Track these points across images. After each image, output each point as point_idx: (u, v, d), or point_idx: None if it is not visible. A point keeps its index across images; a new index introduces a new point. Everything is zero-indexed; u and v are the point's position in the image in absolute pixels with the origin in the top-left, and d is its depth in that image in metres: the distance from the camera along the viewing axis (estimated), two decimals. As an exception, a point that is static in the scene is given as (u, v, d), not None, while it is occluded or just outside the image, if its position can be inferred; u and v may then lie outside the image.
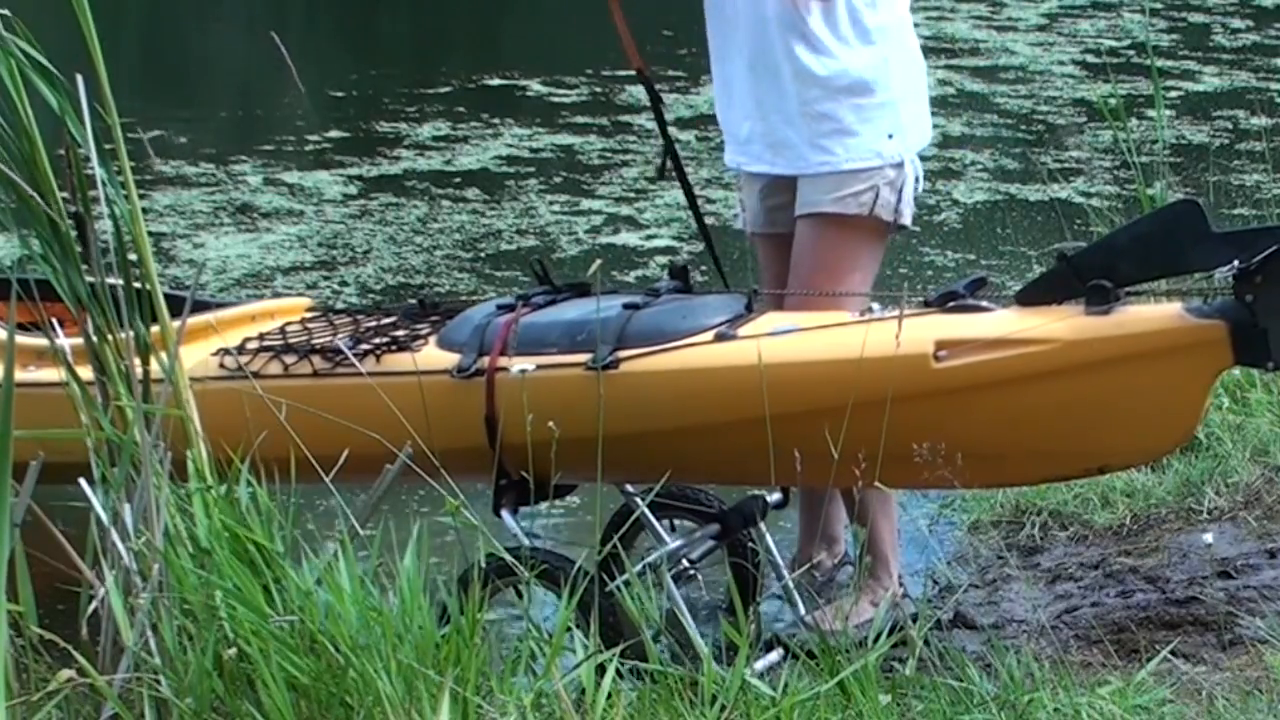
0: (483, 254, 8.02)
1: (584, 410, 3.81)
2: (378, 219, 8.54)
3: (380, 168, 9.52)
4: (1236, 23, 13.99)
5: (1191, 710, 3.74)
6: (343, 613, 3.34)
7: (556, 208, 8.73)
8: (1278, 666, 3.88)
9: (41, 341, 3.96)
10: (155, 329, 3.76)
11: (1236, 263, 3.64)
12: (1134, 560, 4.66)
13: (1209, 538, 4.57)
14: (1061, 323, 3.78)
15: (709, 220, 4.79)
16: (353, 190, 9.06)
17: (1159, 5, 14.37)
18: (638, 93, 10.89)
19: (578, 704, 3.39)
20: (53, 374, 3.87)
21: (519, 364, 3.97)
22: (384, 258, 7.90)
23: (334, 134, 10.30)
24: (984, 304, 3.95)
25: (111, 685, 3.39)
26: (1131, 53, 12.77)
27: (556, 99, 11.31)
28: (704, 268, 5.12)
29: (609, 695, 3.42)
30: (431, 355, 4.15)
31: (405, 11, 15.63)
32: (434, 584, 3.58)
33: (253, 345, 4.34)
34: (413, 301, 4.59)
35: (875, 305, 4.10)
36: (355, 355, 4.15)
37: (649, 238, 8.20)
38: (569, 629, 3.51)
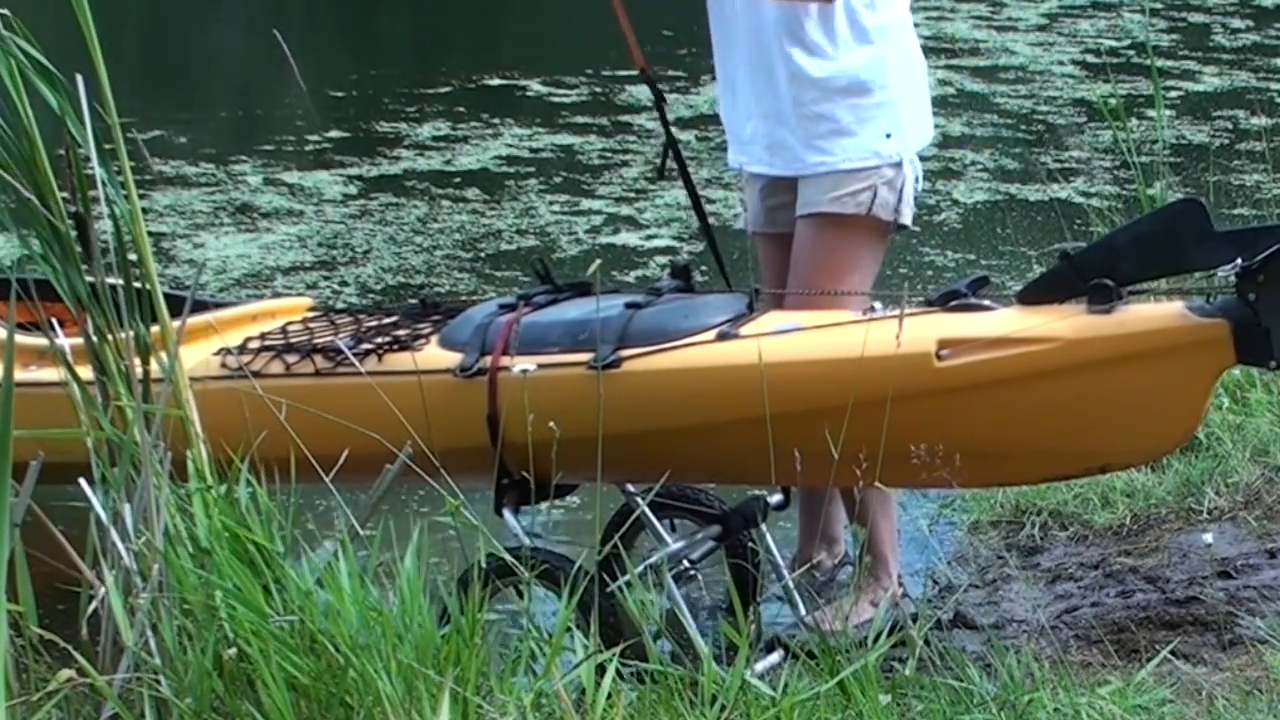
0: (483, 254, 8.02)
1: (586, 410, 3.81)
2: (378, 219, 8.54)
3: (380, 168, 9.51)
4: (1236, 23, 13.99)
5: (1191, 710, 3.74)
6: (343, 613, 3.34)
7: (556, 208, 8.73)
8: (1278, 666, 3.87)
9: (41, 341, 3.95)
10: (155, 329, 3.75)
11: (1239, 261, 3.64)
12: (1134, 560, 4.66)
13: (1209, 538, 4.57)
14: (1064, 322, 3.77)
15: (709, 220, 4.78)
16: (353, 190, 9.06)
17: (1159, 5, 14.37)
18: (638, 93, 10.90)
19: (578, 704, 3.39)
20: (53, 374, 3.87)
21: (521, 363, 3.97)
22: (384, 258, 7.90)
23: (334, 134, 10.30)
24: (986, 303, 3.95)
25: (111, 685, 3.38)
26: (1131, 53, 12.76)
27: (556, 99, 11.31)
28: (704, 267, 5.12)
29: (609, 695, 3.42)
30: (433, 355, 4.15)
31: (405, 11, 15.62)
32: (434, 584, 3.57)
33: (254, 345, 4.34)
34: (414, 301, 4.59)
35: (877, 305, 4.10)
36: (357, 355, 4.15)
37: (649, 238, 8.19)
38: (569, 629, 3.51)
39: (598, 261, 4.03)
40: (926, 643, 3.82)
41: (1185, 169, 8.67)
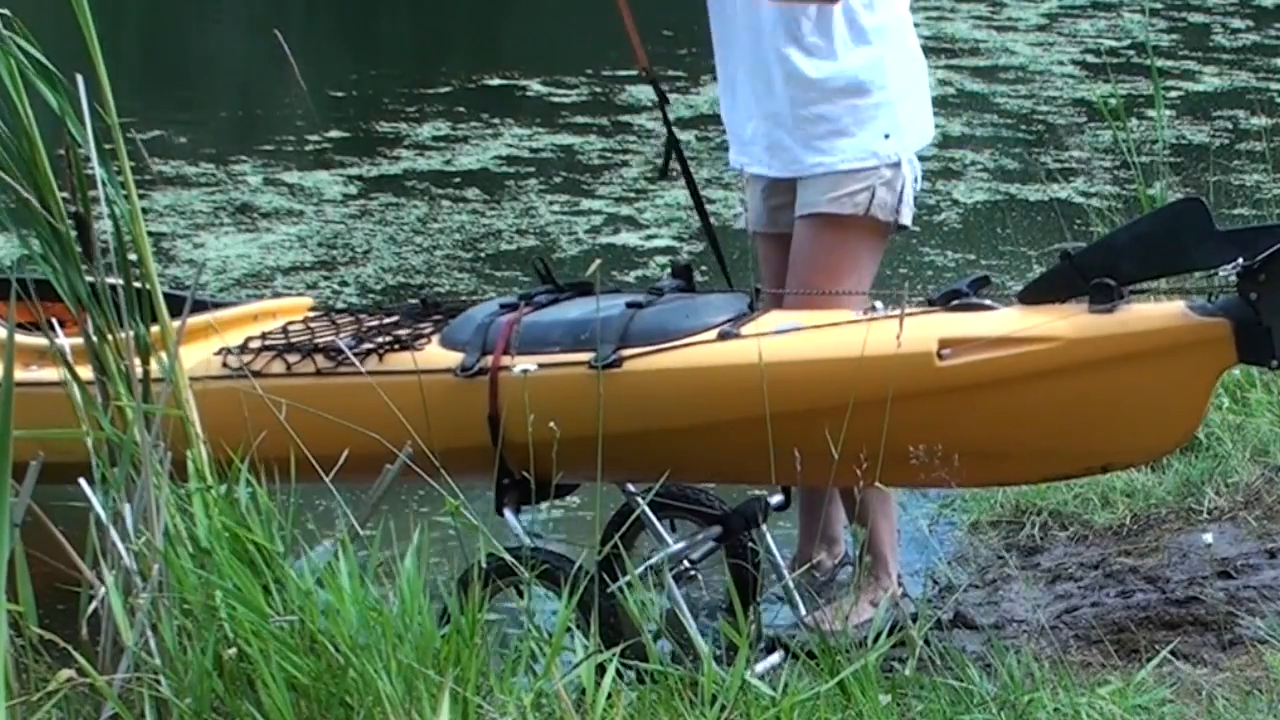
0: (483, 254, 8.02)
1: (587, 409, 3.81)
2: (378, 219, 8.54)
3: (380, 168, 9.51)
4: (1236, 23, 13.99)
5: (1191, 710, 3.73)
6: (343, 613, 3.33)
7: (556, 208, 8.72)
8: (1278, 666, 3.87)
9: (41, 341, 3.95)
10: (155, 329, 3.75)
11: (1240, 261, 3.64)
12: (1134, 560, 4.66)
13: (1209, 538, 4.57)
14: (1065, 321, 3.77)
15: (710, 219, 4.78)
16: (353, 190, 9.06)
17: (1159, 5, 14.37)
18: (638, 93, 10.90)
19: (578, 704, 3.39)
20: (53, 374, 3.87)
21: (522, 363, 3.97)
22: (384, 258, 7.90)
23: (334, 134, 10.29)
24: (987, 303, 3.95)
25: (111, 685, 3.38)
26: (1131, 53, 12.76)
27: (556, 99, 11.30)
28: (704, 267, 5.12)
29: (609, 695, 3.41)
30: (434, 354, 4.15)
31: (405, 11, 15.63)
32: (434, 584, 3.57)
33: (255, 344, 4.34)
34: (415, 301, 4.59)
35: (879, 304, 4.10)
36: (358, 354, 4.15)
37: (649, 238, 8.19)
38: (569, 629, 3.51)
39: (598, 261, 4.02)
40: (926, 643, 3.82)
41: (1185, 169, 8.67)
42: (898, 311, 3.87)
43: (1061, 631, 4.21)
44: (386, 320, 4.42)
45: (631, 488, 4.25)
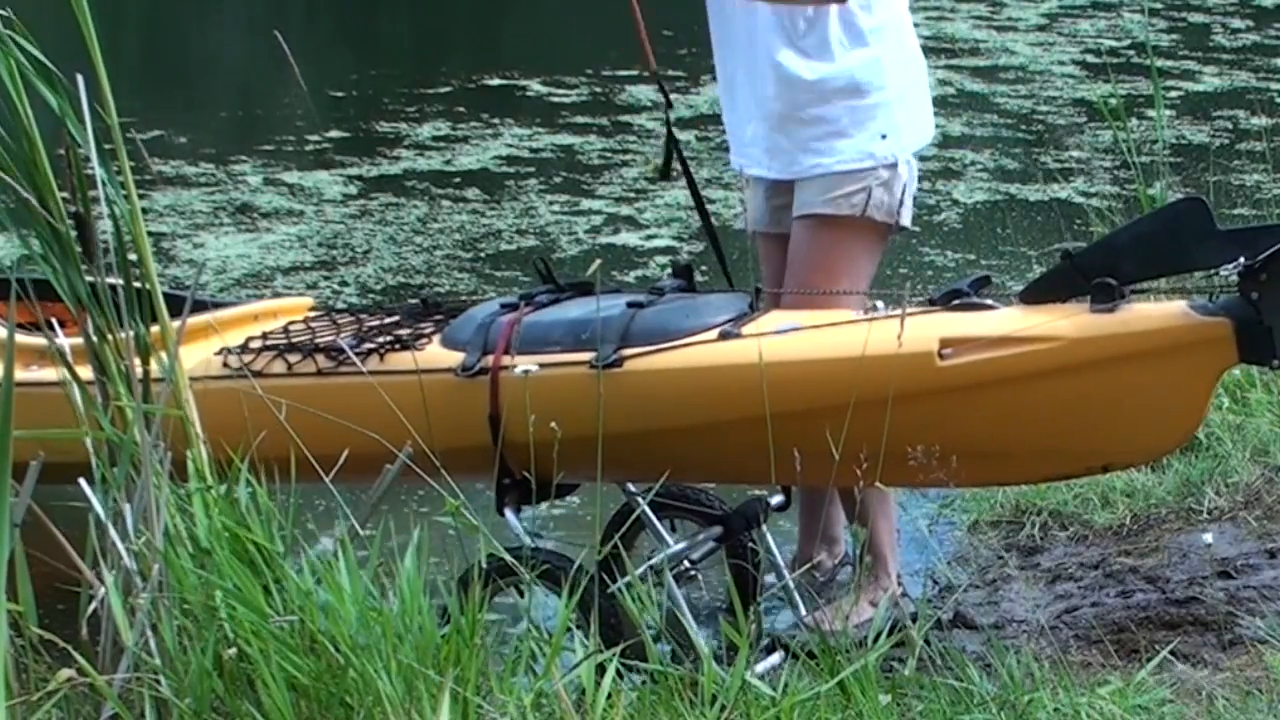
0: (483, 254, 8.02)
1: (588, 409, 3.81)
2: (378, 219, 8.54)
3: (380, 168, 9.51)
4: (1236, 23, 14.00)
5: (1191, 710, 3.73)
6: (343, 613, 3.33)
7: (556, 208, 8.72)
8: (1278, 666, 3.87)
9: (41, 341, 3.95)
10: (155, 329, 3.75)
11: (1241, 260, 3.64)
12: (1134, 560, 4.66)
13: (1209, 538, 4.57)
14: (1066, 321, 3.77)
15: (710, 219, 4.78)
16: (353, 190, 9.06)
17: (1159, 5, 14.37)
18: (638, 93, 10.90)
19: (578, 704, 3.39)
20: (53, 374, 3.86)
21: (522, 363, 3.96)
22: (384, 258, 7.90)
23: (334, 134, 10.30)
24: (988, 302, 3.95)
25: (111, 685, 3.38)
26: (1131, 53, 12.76)
27: (556, 99, 11.30)
28: (704, 267, 5.12)
29: (609, 695, 3.41)
30: (435, 354, 4.15)
31: (405, 11, 15.63)
32: (434, 584, 3.57)
33: (256, 344, 4.34)
34: (415, 301, 4.59)
35: (880, 304, 4.09)
36: (359, 354, 4.15)
37: (649, 238, 8.19)
38: (569, 629, 3.51)
39: (598, 261, 4.02)
40: (926, 643, 3.82)
41: (1185, 169, 8.67)
42: (899, 311, 3.87)
43: (1061, 631, 4.21)
44: (387, 320, 4.43)
45: (632, 488, 4.25)
